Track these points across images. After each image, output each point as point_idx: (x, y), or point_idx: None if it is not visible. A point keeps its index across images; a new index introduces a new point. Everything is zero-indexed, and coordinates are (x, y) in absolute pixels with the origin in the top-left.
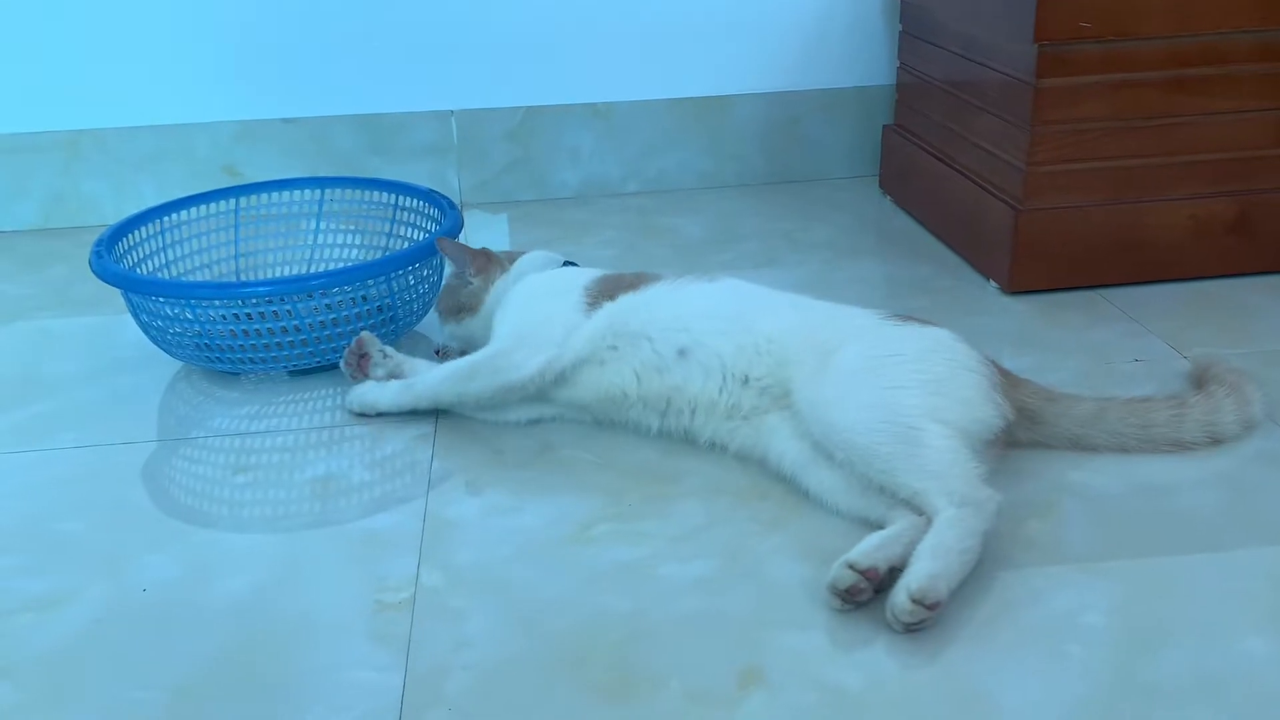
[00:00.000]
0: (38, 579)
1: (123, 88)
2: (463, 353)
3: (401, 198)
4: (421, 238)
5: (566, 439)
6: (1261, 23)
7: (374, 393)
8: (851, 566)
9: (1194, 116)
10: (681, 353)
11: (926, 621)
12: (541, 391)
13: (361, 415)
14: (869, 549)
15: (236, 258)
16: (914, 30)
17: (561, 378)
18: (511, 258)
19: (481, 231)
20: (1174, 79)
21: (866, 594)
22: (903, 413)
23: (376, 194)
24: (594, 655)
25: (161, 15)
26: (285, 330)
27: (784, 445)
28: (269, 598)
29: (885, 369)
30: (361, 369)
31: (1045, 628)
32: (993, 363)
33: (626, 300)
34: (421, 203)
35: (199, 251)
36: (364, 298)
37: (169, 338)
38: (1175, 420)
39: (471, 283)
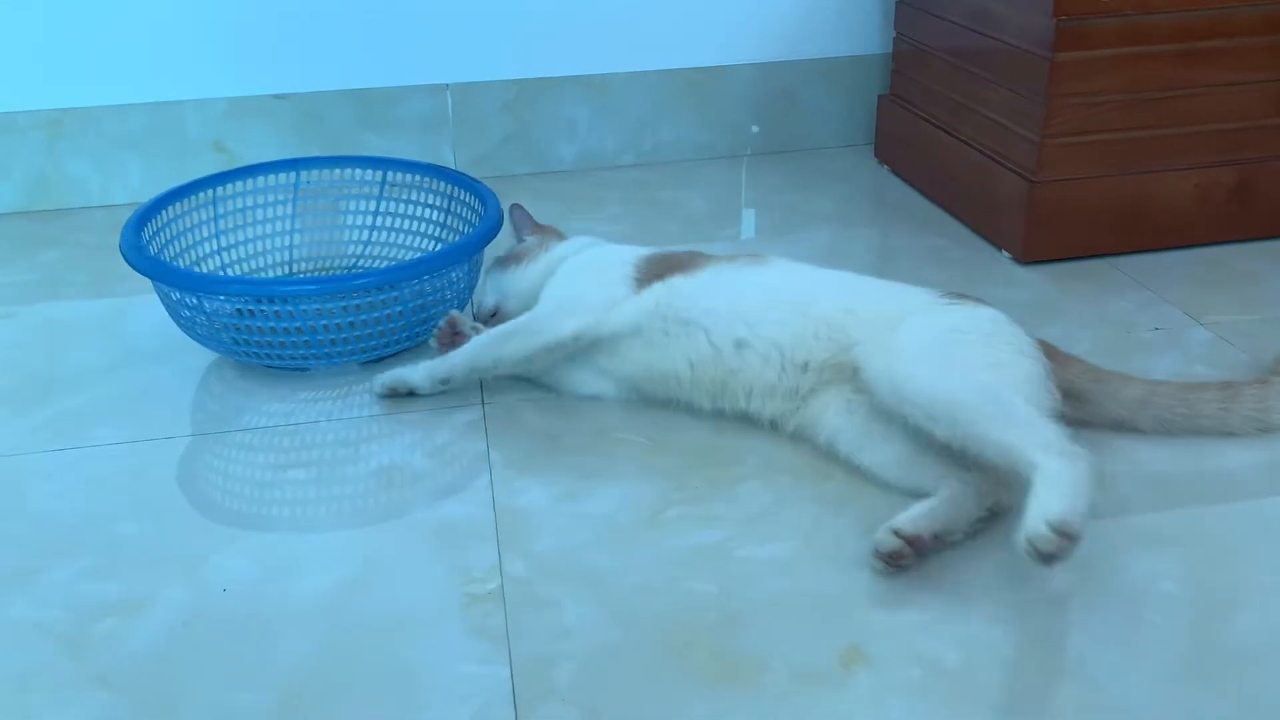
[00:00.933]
0: (110, 582)
1: (107, 64)
2: (496, 311)
3: (455, 188)
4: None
5: (617, 422)
6: None
7: (404, 370)
8: (897, 532)
9: (1200, 88)
10: (739, 344)
11: (1065, 553)
12: (578, 357)
13: (391, 395)
14: (915, 515)
15: (292, 238)
16: (914, 1)
17: (600, 346)
18: (563, 236)
19: None
20: (1183, 52)
21: (910, 560)
22: (979, 377)
23: (430, 180)
24: (693, 640)
25: None
26: (380, 320)
27: (840, 421)
28: (356, 594)
29: (955, 345)
30: (456, 345)
31: (1124, 595)
32: (1042, 341)
33: (678, 284)
34: (466, 193)
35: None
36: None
37: (216, 334)
38: (1223, 411)
39: (525, 240)
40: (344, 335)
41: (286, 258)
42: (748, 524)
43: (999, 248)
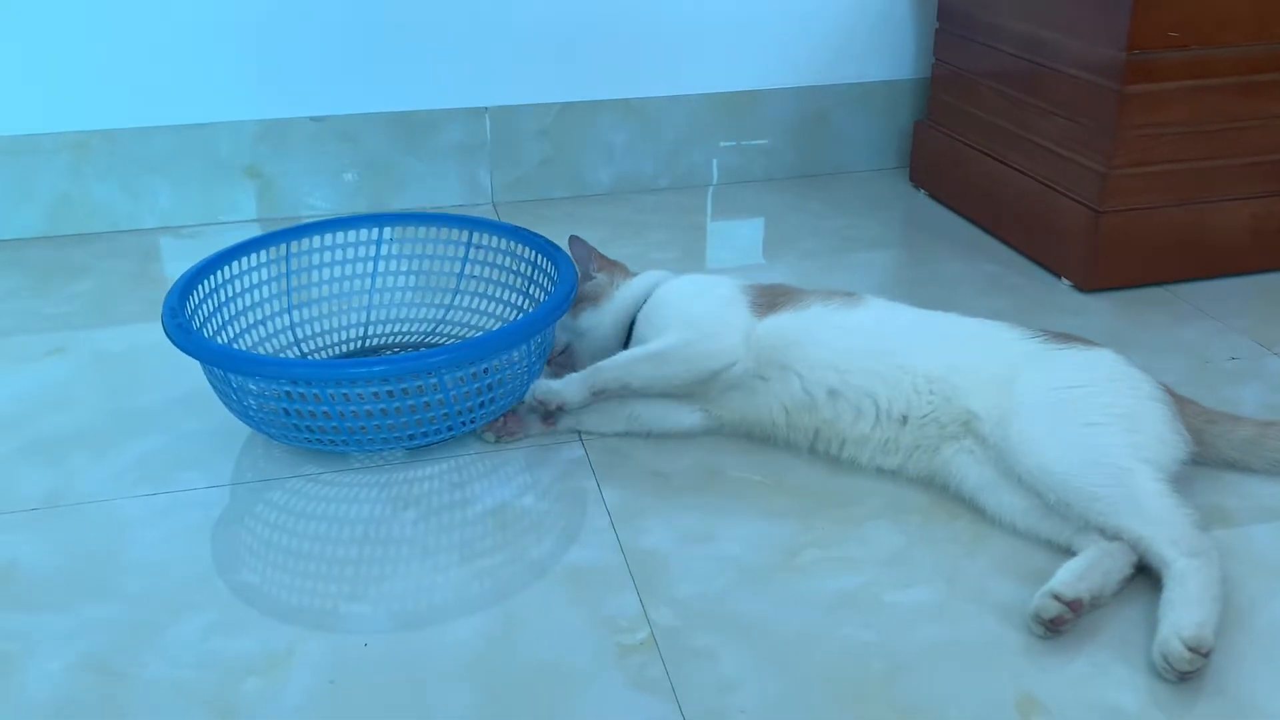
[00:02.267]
0: (241, 637)
1: (136, 85)
2: (566, 348)
3: (537, 254)
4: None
5: (728, 460)
6: None
7: (551, 384)
8: (1056, 597)
9: (1258, 120)
10: (831, 393)
11: (1199, 668)
12: (713, 387)
13: (540, 405)
14: (1071, 579)
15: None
16: (955, 27)
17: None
18: (629, 273)
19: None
20: (1243, 85)
21: (1070, 624)
22: (1109, 453)
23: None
24: (863, 691)
25: (179, 8)
26: (428, 405)
27: (964, 471)
28: (504, 646)
29: (1075, 403)
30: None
31: (1278, 633)
32: (1162, 385)
33: (774, 327)
34: (543, 258)
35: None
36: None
37: (265, 416)
38: None
39: (595, 276)
40: (378, 422)
41: (364, 319)
42: (886, 567)
43: (1058, 275)
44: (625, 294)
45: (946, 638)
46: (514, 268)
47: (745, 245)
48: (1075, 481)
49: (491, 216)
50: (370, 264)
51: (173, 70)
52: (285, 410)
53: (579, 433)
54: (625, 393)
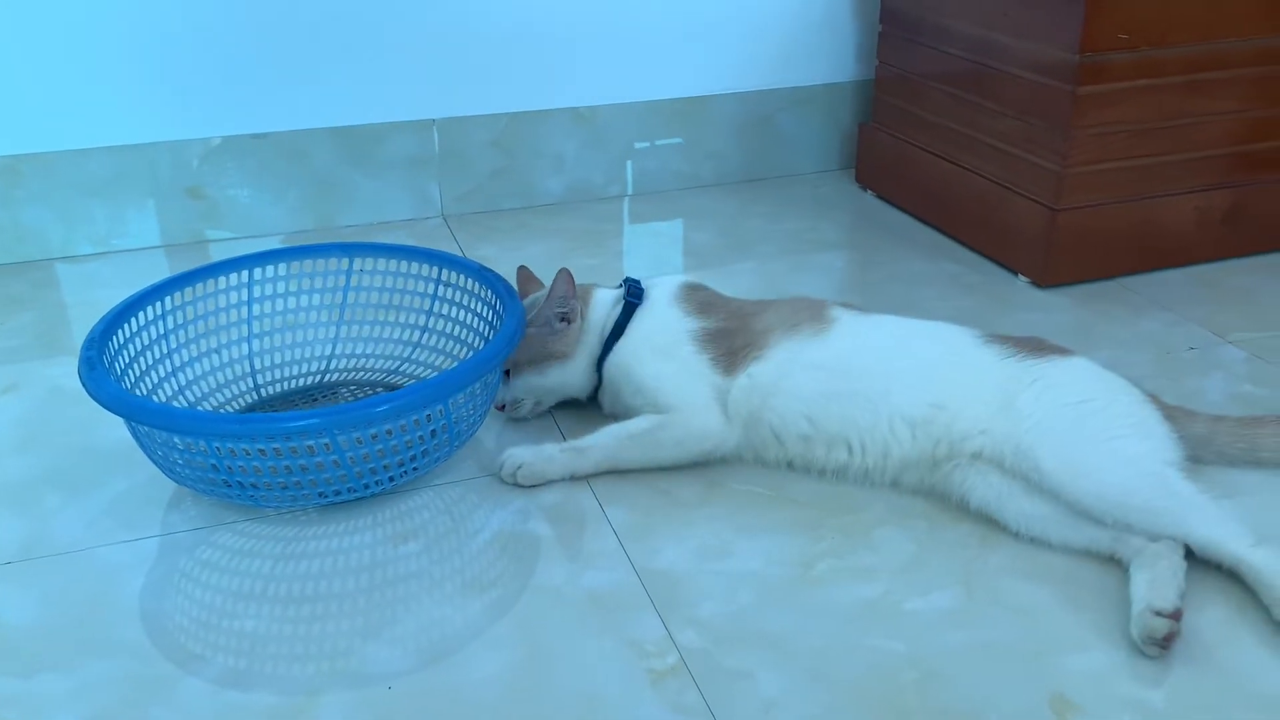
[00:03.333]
0: (258, 690)
1: (69, 106)
2: (536, 405)
3: (447, 272)
4: (475, 326)
5: (728, 473)
6: (1266, 31)
7: (540, 463)
8: (1160, 613)
9: (1204, 117)
10: (804, 438)
11: None
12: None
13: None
14: (1164, 592)
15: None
16: (899, 30)
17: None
18: (587, 300)
19: (481, 246)
20: (1191, 83)
21: (1178, 634)
22: (1146, 464)
23: (417, 265)
24: (902, 701)
25: (112, 26)
26: (333, 463)
27: (970, 489)
28: (534, 678)
29: (1091, 420)
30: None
31: None
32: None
33: (746, 387)
34: (473, 281)
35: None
36: (428, 416)
37: (179, 469)
38: None
39: (565, 325)
40: (298, 478)
41: (328, 351)
42: (901, 574)
43: (1015, 272)
44: (592, 338)
45: (972, 642)
46: (478, 310)
47: (704, 251)
48: (1133, 500)
49: (442, 230)
50: (339, 294)
51: (108, 90)
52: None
53: None
54: (620, 469)
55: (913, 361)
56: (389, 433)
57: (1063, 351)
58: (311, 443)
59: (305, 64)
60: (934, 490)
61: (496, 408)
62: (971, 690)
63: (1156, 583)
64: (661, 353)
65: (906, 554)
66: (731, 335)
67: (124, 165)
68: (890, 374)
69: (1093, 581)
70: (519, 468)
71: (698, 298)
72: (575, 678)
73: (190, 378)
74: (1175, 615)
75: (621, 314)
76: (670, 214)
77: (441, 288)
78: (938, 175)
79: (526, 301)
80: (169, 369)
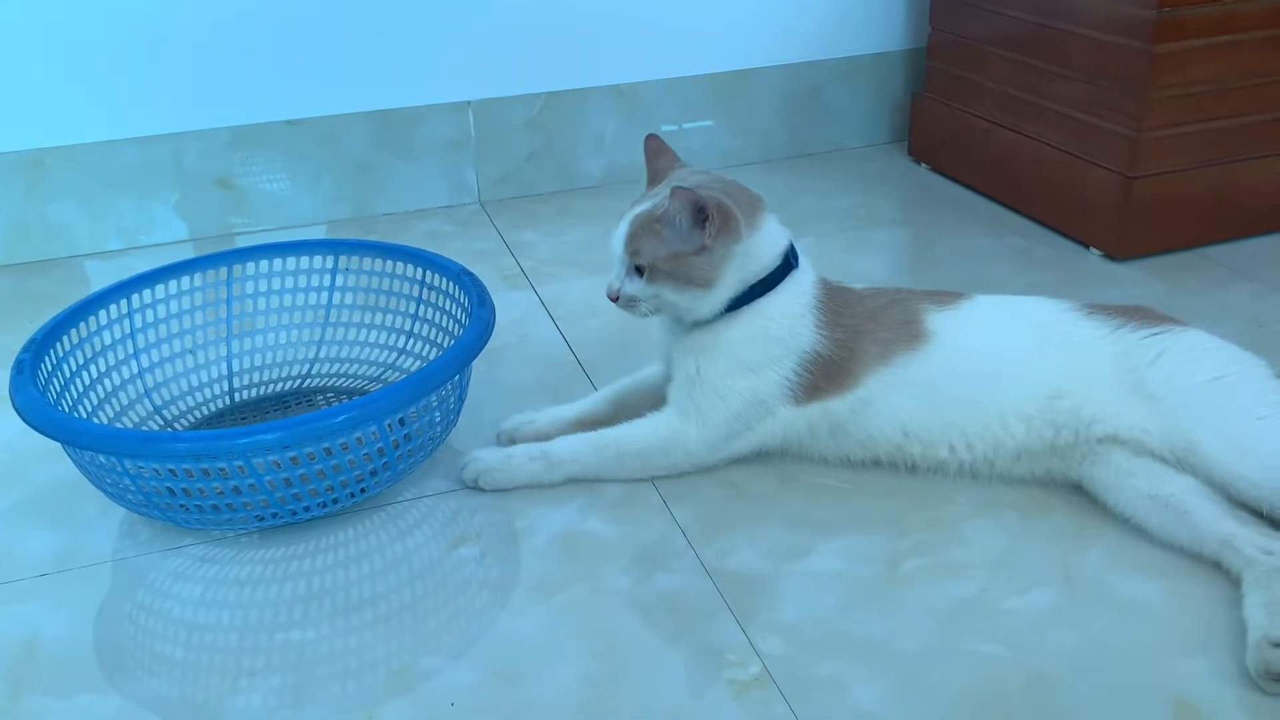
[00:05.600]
0: (313, 707)
1: (95, 97)
2: (655, 311)
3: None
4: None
5: (802, 465)
6: None
7: (505, 471)
8: (1279, 644)
9: None
10: (933, 442)
11: None
12: None
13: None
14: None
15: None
16: None
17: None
18: (757, 226)
19: (520, 231)
20: (1271, 39)
21: None
22: None
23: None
24: (1012, 711)
25: (135, 14)
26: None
27: (1092, 474)
28: (611, 691)
29: (1235, 394)
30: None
31: None
32: None
33: (837, 410)
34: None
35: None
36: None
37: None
38: None
39: (709, 247)
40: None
41: (311, 355)
42: (996, 570)
43: (1086, 245)
44: (744, 274)
45: (1079, 643)
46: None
47: None
48: None
49: (480, 216)
50: (325, 294)
51: (133, 79)
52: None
53: None
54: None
55: (1019, 354)
56: (328, 451)
57: (1176, 321)
58: (224, 465)
59: (335, 47)
60: (1043, 478)
61: (610, 297)
62: (1085, 696)
63: (1275, 607)
64: (752, 368)
65: (999, 548)
66: (834, 366)
67: (151, 156)
68: (997, 374)
69: (1203, 576)
70: (479, 475)
71: (834, 301)
72: (654, 690)
73: (159, 380)
74: None
75: (778, 270)
76: None
77: (426, 290)
78: (998, 145)
79: (659, 186)
80: (134, 370)
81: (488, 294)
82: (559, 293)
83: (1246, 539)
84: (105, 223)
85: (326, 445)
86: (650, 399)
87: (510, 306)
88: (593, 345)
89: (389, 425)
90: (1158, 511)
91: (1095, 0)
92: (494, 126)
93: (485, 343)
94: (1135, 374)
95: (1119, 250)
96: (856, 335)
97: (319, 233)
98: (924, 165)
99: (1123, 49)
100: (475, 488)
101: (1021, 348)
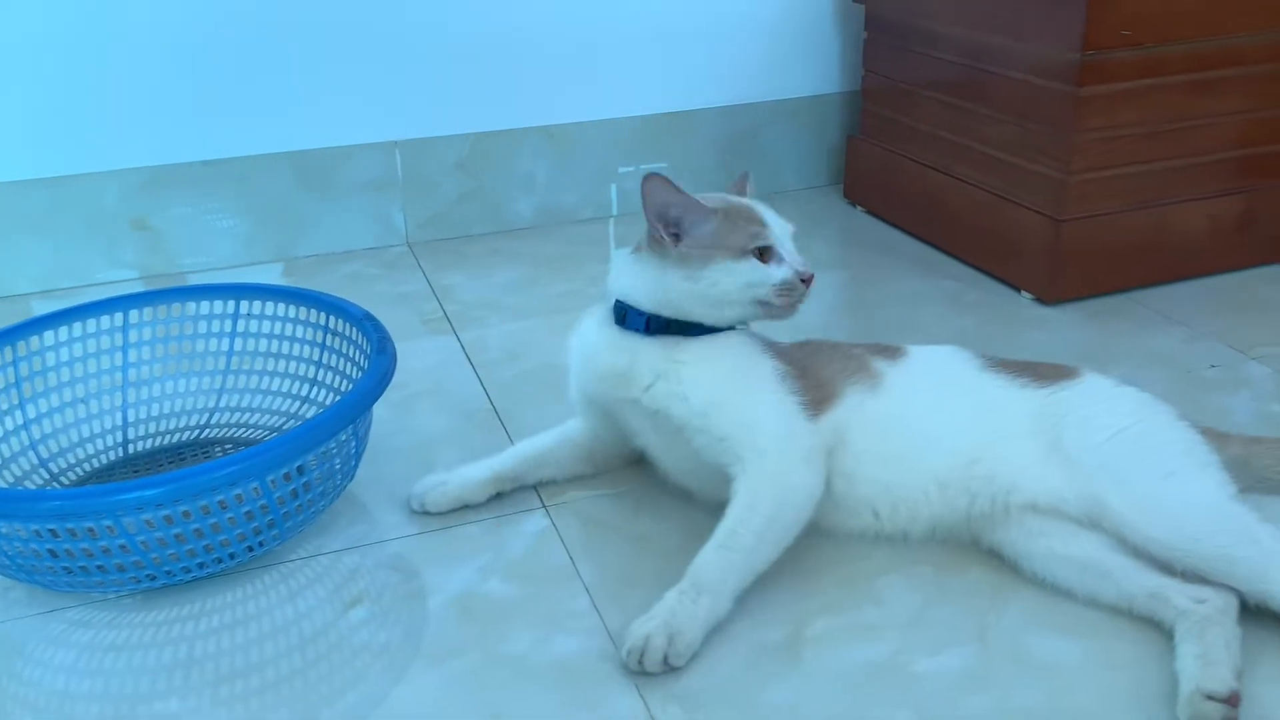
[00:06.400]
0: None
1: (3, 137)
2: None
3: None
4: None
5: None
6: (1272, 24)
7: (678, 627)
8: (1213, 697)
9: (1211, 118)
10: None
11: None
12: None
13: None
14: (1219, 670)
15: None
16: (886, 37)
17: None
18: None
19: (447, 273)
20: (1195, 82)
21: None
22: (1215, 504)
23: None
24: None
25: (47, 52)
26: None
27: (995, 524)
28: None
29: (1140, 454)
30: None
31: None
32: None
33: (826, 436)
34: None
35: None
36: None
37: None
38: None
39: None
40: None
41: (211, 404)
42: (909, 631)
43: (1017, 289)
44: None
45: (992, 708)
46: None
47: None
48: (1204, 548)
49: (407, 258)
50: (227, 340)
51: (43, 119)
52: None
53: (541, 499)
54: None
55: (943, 417)
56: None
57: (1072, 373)
58: (91, 525)
59: (253, 87)
60: (959, 540)
61: (807, 277)
62: None
63: (1208, 659)
64: (757, 388)
65: (912, 608)
66: (813, 375)
67: (64, 197)
68: (930, 430)
69: (1128, 633)
70: (664, 653)
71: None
72: None
73: (47, 431)
74: (1232, 700)
75: None
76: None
77: (330, 336)
78: (931, 188)
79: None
80: (19, 421)
81: (389, 340)
82: (481, 338)
83: (1176, 590)
84: (14, 266)
85: (204, 503)
86: (574, 456)
87: (428, 352)
88: (511, 393)
89: (272, 482)
90: (1078, 573)
91: (1022, 43)
92: (422, 167)
93: (381, 393)
94: (1049, 435)
95: (1050, 294)
96: (822, 356)
97: (241, 275)
98: (859, 208)
99: (1049, 92)
100: (664, 668)
101: (944, 410)
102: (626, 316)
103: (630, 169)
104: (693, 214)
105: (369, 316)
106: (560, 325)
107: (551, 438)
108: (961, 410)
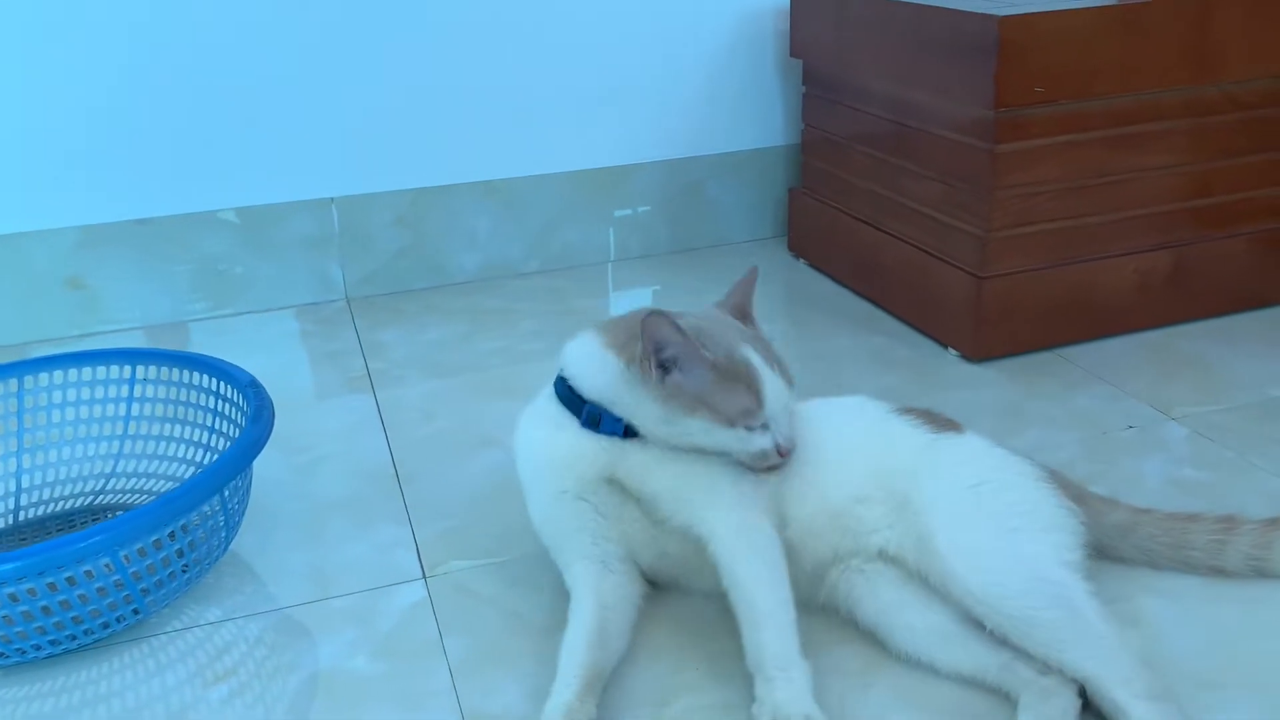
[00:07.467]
0: None
1: None
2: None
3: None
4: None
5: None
6: (1190, 80)
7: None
8: None
9: (1132, 173)
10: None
11: None
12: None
13: None
14: None
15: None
16: (821, 91)
17: None
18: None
19: (381, 330)
20: (1114, 138)
21: None
22: (1040, 565)
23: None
24: None
25: None
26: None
27: (859, 596)
28: None
29: (985, 507)
30: None
31: None
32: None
33: None
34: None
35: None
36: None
37: None
38: (1216, 546)
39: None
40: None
41: (108, 469)
42: None
43: (945, 345)
44: None
45: None
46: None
47: None
48: (1011, 606)
49: (344, 314)
50: (123, 405)
51: None
52: None
53: (421, 568)
54: None
55: (836, 455)
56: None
57: (954, 426)
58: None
59: (187, 145)
60: (817, 603)
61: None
62: None
63: None
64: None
65: None
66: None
67: None
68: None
69: (986, 713)
70: None
71: None
72: None
73: None
74: None
75: None
76: (592, 290)
77: (220, 401)
78: (865, 242)
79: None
80: None
81: (266, 408)
82: (398, 397)
83: (1026, 659)
84: None
85: (50, 580)
86: (627, 604)
87: (345, 412)
88: (418, 456)
89: (125, 557)
90: (940, 642)
91: (942, 100)
92: (360, 223)
93: (247, 464)
94: (911, 480)
95: (975, 351)
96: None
97: (176, 334)
98: (802, 260)
99: (969, 149)
100: None
101: (838, 450)
102: (601, 421)
103: (602, 220)
104: (690, 361)
105: (254, 383)
106: (481, 384)
107: (583, 624)
108: (851, 452)
